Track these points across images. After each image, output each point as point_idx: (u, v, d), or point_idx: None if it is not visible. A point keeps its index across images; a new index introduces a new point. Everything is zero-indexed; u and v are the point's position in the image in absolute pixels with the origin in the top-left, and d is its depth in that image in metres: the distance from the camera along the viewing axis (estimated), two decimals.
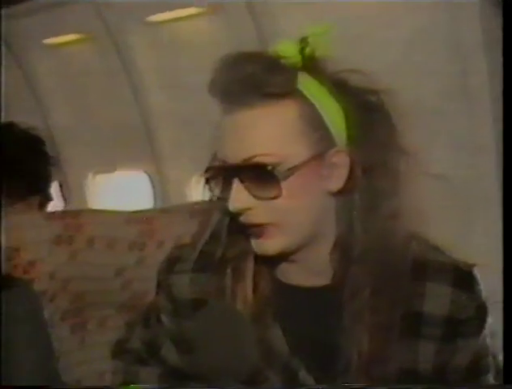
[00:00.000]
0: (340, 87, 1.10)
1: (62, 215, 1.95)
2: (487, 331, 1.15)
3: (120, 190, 3.58)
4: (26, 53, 3.49)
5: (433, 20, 2.21)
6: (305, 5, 2.42)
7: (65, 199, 3.22)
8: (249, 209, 1.08)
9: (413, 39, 2.24)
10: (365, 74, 1.10)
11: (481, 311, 1.14)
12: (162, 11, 2.87)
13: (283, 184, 1.06)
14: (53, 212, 2.04)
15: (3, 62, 3.05)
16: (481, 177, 2.19)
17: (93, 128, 3.51)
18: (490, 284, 1.16)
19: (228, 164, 1.08)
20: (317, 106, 1.08)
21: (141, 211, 2.09)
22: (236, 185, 1.07)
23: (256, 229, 1.09)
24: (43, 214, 1.99)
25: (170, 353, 1.24)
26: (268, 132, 1.06)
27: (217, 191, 1.12)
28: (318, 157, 1.07)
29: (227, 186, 1.09)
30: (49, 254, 1.83)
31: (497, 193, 2.17)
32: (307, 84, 1.09)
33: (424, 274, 1.12)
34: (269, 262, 1.14)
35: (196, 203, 2.03)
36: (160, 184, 3.32)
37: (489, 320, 1.15)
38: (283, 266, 1.15)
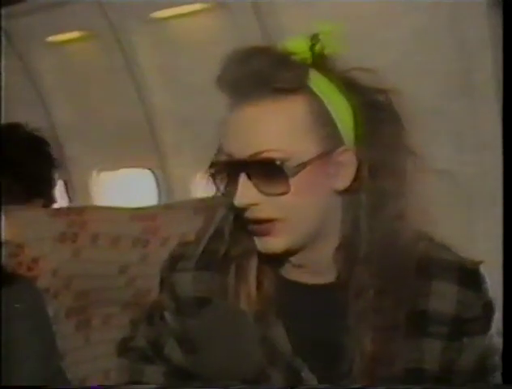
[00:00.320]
0: (349, 86, 1.10)
1: (66, 211, 1.95)
2: (494, 329, 1.14)
3: (124, 188, 3.58)
4: (29, 51, 3.48)
5: (436, 18, 2.20)
6: (309, 3, 2.42)
7: (69, 197, 3.23)
8: (255, 204, 1.07)
9: (416, 37, 2.24)
10: (375, 73, 1.10)
11: (488, 309, 1.13)
12: (165, 8, 2.86)
13: (292, 180, 1.05)
14: (58, 209, 2.04)
15: (3, 60, 3.05)
16: (486, 175, 2.18)
17: (97, 126, 3.51)
18: (493, 282, 1.16)
19: (234, 159, 1.07)
20: (326, 103, 1.08)
21: (145, 208, 2.09)
22: (243, 180, 1.06)
23: (261, 227, 1.09)
24: (47, 211, 1.99)
25: (174, 352, 1.24)
26: (277, 128, 1.06)
27: (222, 186, 1.11)
28: (326, 155, 1.07)
29: (232, 181, 1.08)
30: (53, 251, 1.83)
31: (500, 191, 2.17)
32: (317, 81, 1.08)
33: (429, 272, 1.11)
34: (273, 259, 1.14)
35: (200, 200, 2.03)
36: (164, 181, 3.32)
37: (496, 318, 1.14)
38: (287, 263, 1.15)
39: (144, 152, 3.30)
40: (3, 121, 2.17)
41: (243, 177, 1.06)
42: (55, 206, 2.10)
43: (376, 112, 1.10)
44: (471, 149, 2.18)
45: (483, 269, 1.15)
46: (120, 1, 2.92)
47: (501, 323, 1.14)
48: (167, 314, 1.23)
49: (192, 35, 2.90)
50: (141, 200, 3.33)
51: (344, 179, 1.09)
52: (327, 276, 1.13)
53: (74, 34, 3.28)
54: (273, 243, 1.09)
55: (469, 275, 1.13)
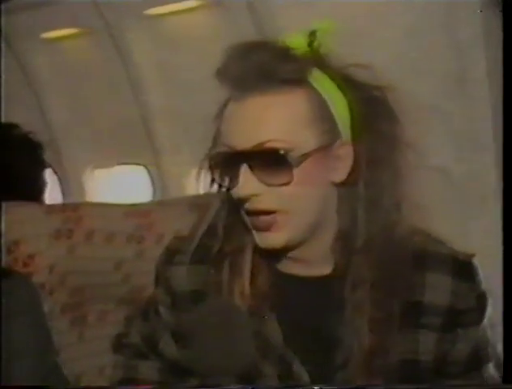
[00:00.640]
0: (346, 82, 1.12)
1: (62, 208, 1.95)
2: (487, 321, 1.15)
3: (119, 185, 3.58)
4: (24, 48, 3.48)
5: (431, 18, 2.21)
6: (303, 1, 2.42)
7: (64, 194, 3.22)
8: (256, 195, 1.08)
9: (411, 36, 2.25)
10: (371, 69, 1.12)
11: (481, 301, 1.14)
12: (160, 5, 2.86)
13: (295, 170, 1.07)
14: (53, 206, 2.04)
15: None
16: (480, 173, 2.19)
17: (92, 122, 3.50)
18: (487, 277, 1.16)
19: (236, 150, 1.08)
20: (325, 98, 1.10)
21: (139, 205, 2.10)
22: (245, 170, 1.07)
23: (261, 221, 1.09)
24: (42, 207, 1.99)
25: (168, 347, 1.24)
26: (280, 118, 1.07)
27: (219, 179, 1.12)
28: (325, 148, 1.09)
29: (232, 173, 1.09)
30: (48, 248, 1.83)
31: (495, 188, 2.18)
32: (316, 77, 1.11)
33: (424, 264, 1.13)
34: (268, 253, 1.14)
35: (195, 196, 2.03)
36: (158, 178, 3.33)
37: (489, 310, 1.15)
38: (283, 256, 1.15)
39: (139, 149, 3.30)
40: None
41: (245, 168, 1.07)
42: (50, 200, 2.10)
43: (372, 107, 1.12)
44: (465, 147, 2.19)
45: (476, 262, 1.16)
46: None
47: (494, 316, 1.16)
48: (162, 309, 1.24)
49: (187, 32, 2.90)
50: (136, 197, 3.33)
51: (342, 172, 1.11)
52: (323, 269, 1.14)
53: (69, 31, 3.28)
54: (273, 238, 1.10)
55: (462, 267, 1.14)
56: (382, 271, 1.10)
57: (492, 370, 1.16)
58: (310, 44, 1.12)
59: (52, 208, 1.95)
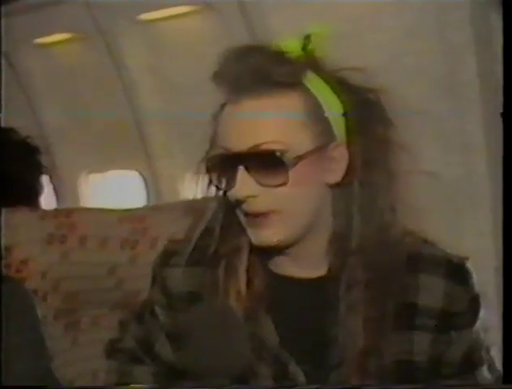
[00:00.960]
0: (340, 85, 1.13)
1: (55, 213, 1.95)
2: (480, 324, 1.16)
3: (113, 189, 3.58)
4: (16, 52, 3.48)
5: (423, 21, 2.22)
6: (296, 4, 2.43)
7: (57, 199, 3.22)
8: (253, 196, 1.10)
9: (403, 39, 2.25)
10: (365, 72, 1.14)
11: (474, 304, 1.15)
12: (153, 10, 2.87)
13: (291, 171, 1.08)
14: (46, 211, 2.04)
15: None
16: (470, 175, 2.20)
17: (85, 127, 3.50)
18: (480, 280, 1.17)
19: (232, 152, 1.10)
20: (321, 101, 1.11)
21: (133, 210, 2.09)
22: (242, 172, 1.09)
23: (257, 220, 1.11)
24: (35, 213, 1.98)
25: (164, 349, 1.24)
26: (274, 122, 1.09)
27: (216, 181, 1.13)
28: (320, 149, 1.11)
29: (229, 175, 1.11)
30: (42, 253, 1.83)
31: (485, 191, 2.19)
32: (311, 79, 1.12)
33: (417, 267, 1.14)
34: (263, 254, 1.15)
35: (189, 201, 2.03)
36: (152, 182, 3.33)
37: (482, 313, 1.16)
38: (278, 258, 1.16)
39: (133, 154, 3.31)
40: None
41: (242, 170, 1.09)
42: (44, 205, 2.09)
43: (366, 110, 1.13)
44: (456, 150, 2.20)
45: (470, 265, 1.16)
46: (108, 3, 2.92)
47: (487, 319, 1.16)
48: (158, 310, 1.24)
49: (180, 37, 2.90)
50: (129, 202, 3.33)
51: (336, 173, 1.12)
52: (318, 270, 1.15)
53: (63, 36, 3.28)
54: (267, 235, 1.11)
55: (456, 270, 1.15)
56: (377, 272, 1.11)
57: (485, 373, 1.16)
58: (305, 48, 1.13)
59: (45, 214, 1.94)
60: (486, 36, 2.10)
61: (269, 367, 1.15)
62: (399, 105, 1.15)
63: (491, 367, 1.17)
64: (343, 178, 1.12)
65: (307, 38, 1.14)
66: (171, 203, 2.76)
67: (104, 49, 3.10)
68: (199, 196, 1.19)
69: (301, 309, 1.15)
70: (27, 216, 1.90)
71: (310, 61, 1.13)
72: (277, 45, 1.12)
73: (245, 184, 1.09)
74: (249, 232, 1.13)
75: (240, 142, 1.09)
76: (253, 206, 1.10)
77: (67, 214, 1.91)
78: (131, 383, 1.27)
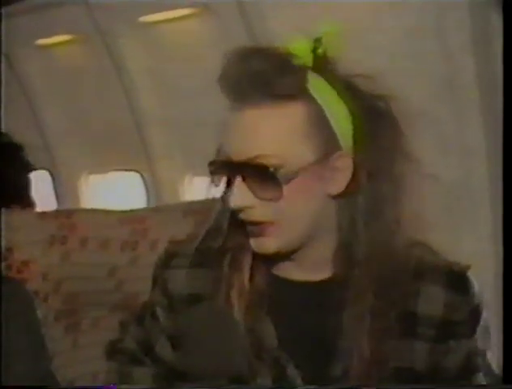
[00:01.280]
0: (349, 90, 1.10)
1: (56, 214, 1.96)
2: (479, 332, 1.15)
3: (113, 191, 3.59)
4: (17, 54, 3.49)
5: (422, 23, 2.22)
6: (295, 6, 2.44)
7: (58, 200, 3.21)
8: (249, 207, 1.08)
9: (403, 42, 2.25)
10: (376, 80, 1.10)
11: (475, 314, 1.14)
12: (153, 12, 2.87)
13: (287, 186, 1.06)
14: (47, 212, 2.04)
15: None
16: (469, 178, 2.20)
17: (85, 129, 3.51)
18: (480, 284, 1.17)
19: (231, 161, 1.08)
20: (325, 108, 1.08)
21: (134, 211, 2.10)
22: (238, 182, 1.08)
23: (255, 228, 1.10)
24: (36, 214, 1.99)
25: (164, 350, 1.24)
26: (274, 133, 1.06)
27: (220, 185, 1.13)
28: (322, 160, 1.08)
29: (229, 182, 1.10)
30: (43, 255, 1.84)
31: (485, 194, 2.19)
32: (316, 85, 1.09)
33: (419, 276, 1.13)
34: (266, 257, 1.15)
35: (189, 203, 2.04)
36: (152, 184, 3.33)
37: (482, 323, 1.15)
38: (282, 262, 1.16)
39: (133, 155, 3.31)
40: None
41: (238, 180, 1.08)
42: (39, 209, 2.09)
43: (375, 117, 1.10)
44: (456, 153, 2.20)
45: (470, 272, 1.15)
46: (109, 5, 2.93)
47: (485, 324, 1.16)
48: (159, 311, 1.24)
49: (180, 39, 2.91)
50: (130, 203, 3.34)
51: (339, 184, 1.09)
52: (321, 274, 1.15)
53: (63, 37, 3.29)
54: (265, 243, 1.11)
55: (457, 280, 1.14)
56: (382, 281, 1.10)
57: (481, 379, 1.16)
58: (314, 51, 1.10)
59: (46, 215, 1.95)
60: (485, 38, 2.11)
61: (267, 368, 1.15)
62: (402, 109, 1.11)
63: (488, 372, 1.17)
64: (348, 188, 1.09)
65: (318, 41, 1.10)
66: (171, 204, 2.76)
67: (104, 51, 3.11)
68: (198, 199, 1.19)
69: (302, 312, 1.15)
70: (28, 218, 1.90)
71: (318, 65, 1.09)
72: (285, 48, 1.09)
73: (241, 194, 1.08)
74: (250, 239, 1.12)
75: (239, 151, 1.07)
76: (250, 215, 1.09)
77: (68, 215, 1.92)
78: (131, 384, 1.28)
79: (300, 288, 1.15)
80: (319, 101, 1.08)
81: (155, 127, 3.19)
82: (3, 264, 1.76)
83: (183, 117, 2.98)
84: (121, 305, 1.96)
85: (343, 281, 1.12)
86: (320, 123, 1.07)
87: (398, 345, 1.12)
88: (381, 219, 1.10)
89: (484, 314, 1.15)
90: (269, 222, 1.09)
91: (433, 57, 2.22)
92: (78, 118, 3.53)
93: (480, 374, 1.16)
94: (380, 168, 1.10)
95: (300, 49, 1.09)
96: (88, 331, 1.97)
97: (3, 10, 2.99)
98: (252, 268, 1.16)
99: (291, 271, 1.16)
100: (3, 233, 1.75)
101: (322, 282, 1.14)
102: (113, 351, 1.32)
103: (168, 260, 1.22)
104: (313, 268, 1.14)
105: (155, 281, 1.24)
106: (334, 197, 1.10)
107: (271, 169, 1.06)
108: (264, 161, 1.06)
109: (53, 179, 3.81)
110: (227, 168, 1.10)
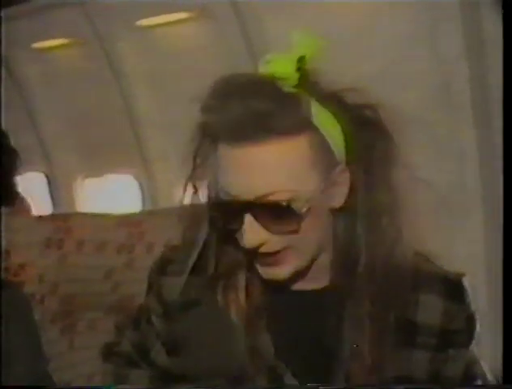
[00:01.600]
0: (338, 105, 1.09)
1: (52, 218, 1.96)
2: (475, 341, 1.16)
3: (109, 194, 3.59)
4: (15, 57, 3.49)
5: (416, 30, 2.23)
6: (291, 10, 2.45)
7: (54, 203, 3.21)
8: (264, 243, 1.06)
9: (395, 48, 2.26)
10: (361, 92, 1.09)
11: (471, 322, 1.15)
12: (151, 16, 2.88)
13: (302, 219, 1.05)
14: (43, 216, 2.05)
15: None
16: (462, 183, 2.21)
17: (82, 132, 3.51)
18: (473, 289, 1.17)
19: (238, 200, 1.05)
20: (325, 132, 1.06)
21: (130, 214, 2.11)
22: (250, 221, 1.05)
23: (269, 258, 1.08)
24: (33, 217, 2.00)
25: (160, 356, 1.24)
26: (283, 168, 1.03)
27: (223, 223, 1.09)
28: (326, 179, 1.07)
29: (235, 219, 1.06)
30: (39, 257, 1.84)
31: (477, 198, 2.20)
32: (317, 113, 1.07)
33: (416, 284, 1.13)
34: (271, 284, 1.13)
35: (185, 207, 2.04)
36: (148, 187, 3.34)
37: (478, 330, 1.16)
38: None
39: (129, 159, 3.32)
40: None
41: (249, 218, 1.05)
42: (35, 212, 2.09)
43: (365, 127, 1.10)
44: (448, 157, 2.21)
45: (465, 279, 1.16)
46: (106, 8, 2.94)
47: (479, 331, 1.17)
48: (154, 318, 1.24)
49: (177, 43, 2.92)
50: (126, 206, 3.34)
51: (340, 197, 1.09)
52: (317, 283, 1.15)
53: (61, 41, 3.30)
54: (279, 272, 1.10)
55: (453, 288, 1.14)
56: (382, 290, 1.10)
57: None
58: (298, 70, 1.07)
59: (42, 218, 1.95)
60: (479, 42, 2.12)
61: (264, 377, 1.14)
62: (394, 115, 1.11)
63: (484, 379, 1.17)
64: (346, 201, 1.09)
65: (301, 60, 1.07)
66: (167, 208, 2.76)
67: (101, 54, 3.11)
68: (193, 203, 1.18)
69: (300, 320, 1.15)
70: (25, 221, 1.91)
71: (303, 83, 1.07)
72: (268, 72, 1.05)
73: (254, 233, 1.04)
74: (260, 268, 1.10)
75: (245, 190, 1.03)
76: (265, 248, 1.07)
77: (64, 218, 1.93)
78: (127, 386, 1.28)
79: (296, 296, 1.15)
80: (321, 128, 1.06)
81: (152, 131, 3.20)
82: (0, 267, 1.77)
83: (180, 120, 2.98)
84: (117, 308, 1.96)
85: (340, 290, 1.11)
86: (323, 148, 1.06)
87: (399, 355, 1.12)
88: (378, 227, 1.09)
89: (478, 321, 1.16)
90: (285, 248, 1.07)
91: (427, 63, 2.23)
92: (75, 122, 3.53)
93: (478, 381, 1.17)
94: (374, 178, 1.09)
95: (283, 70, 1.06)
96: (84, 333, 1.98)
97: (2, 13, 2.99)
98: (247, 282, 1.14)
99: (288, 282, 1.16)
100: (1, 236, 1.75)
101: (318, 291, 1.14)
102: (109, 353, 1.32)
103: (163, 267, 1.22)
104: (310, 277, 1.14)
105: (150, 286, 1.24)
106: (333, 210, 1.10)
107: (285, 204, 1.04)
108: (277, 198, 1.03)
109: (49, 182, 3.81)
110: (233, 207, 1.06)
